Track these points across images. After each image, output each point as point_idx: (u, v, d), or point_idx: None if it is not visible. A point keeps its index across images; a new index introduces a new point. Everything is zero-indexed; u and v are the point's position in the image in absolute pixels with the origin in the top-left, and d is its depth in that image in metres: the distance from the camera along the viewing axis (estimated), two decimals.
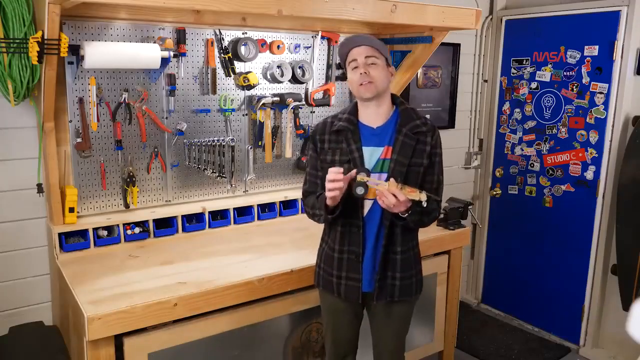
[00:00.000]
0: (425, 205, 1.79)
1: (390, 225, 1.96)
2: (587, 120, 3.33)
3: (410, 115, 1.99)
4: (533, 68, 3.61)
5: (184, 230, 2.62)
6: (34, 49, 1.96)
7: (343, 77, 3.11)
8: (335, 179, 1.80)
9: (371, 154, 1.95)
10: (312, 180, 2.07)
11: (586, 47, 3.30)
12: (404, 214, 1.86)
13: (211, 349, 2.14)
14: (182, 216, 2.61)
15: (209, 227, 2.69)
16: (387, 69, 1.96)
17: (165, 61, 2.43)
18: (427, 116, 3.65)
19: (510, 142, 3.82)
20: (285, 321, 2.35)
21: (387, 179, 1.89)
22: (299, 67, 2.89)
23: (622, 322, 1.86)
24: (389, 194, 1.78)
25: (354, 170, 1.84)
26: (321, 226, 2.13)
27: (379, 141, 1.96)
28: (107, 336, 1.86)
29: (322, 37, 2.95)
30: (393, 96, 2.05)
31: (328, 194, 1.83)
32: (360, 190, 1.81)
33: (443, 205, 2.95)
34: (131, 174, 2.50)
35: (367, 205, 1.96)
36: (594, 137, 3.31)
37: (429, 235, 2.76)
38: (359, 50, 1.91)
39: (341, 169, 1.82)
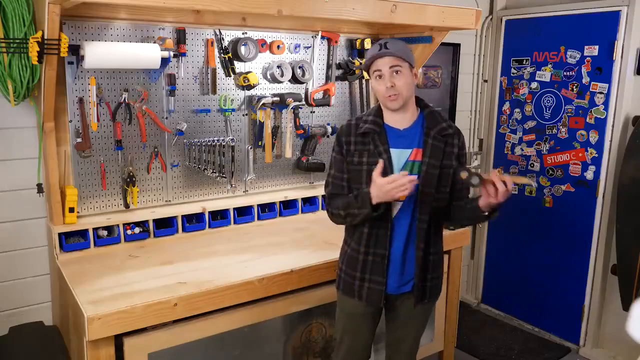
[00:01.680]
0: (536, 186, 1.83)
1: (427, 227, 1.97)
2: (587, 120, 3.33)
3: (436, 118, 2.01)
4: (533, 68, 3.61)
5: (184, 230, 2.62)
6: (34, 49, 1.96)
7: (343, 77, 3.11)
8: (405, 183, 1.78)
9: (399, 156, 1.95)
10: (338, 183, 2.03)
11: (586, 47, 3.30)
12: (492, 211, 1.87)
13: (211, 349, 2.14)
14: (182, 216, 2.61)
15: (209, 227, 2.69)
16: (411, 73, 1.94)
17: (165, 61, 2.43)
18: None
19: (510, 142, 3.82)
20: (285, 321, 2.35)
21: (419, 182, 1.90)
22: (299, 67, 2.89)
23: (622, 322, 1.86)
24: (498, 180, 1.76)
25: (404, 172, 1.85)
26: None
27: (407, 143, 1.96)
28: (107, 336, 1.86)
29: (322, 37, 2.95)
30: (417, 98, 2.05)
31: (397, 194, 1.80)
32: (475, 180, 1.80)
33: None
34: (131, 174, 2.50)
35: (396, 206, 1.96)
36: (594, 137, 3.31)
37: None
38: (383, 61, 1.89)
39: (413, 177, 1.81)
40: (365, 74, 3.05)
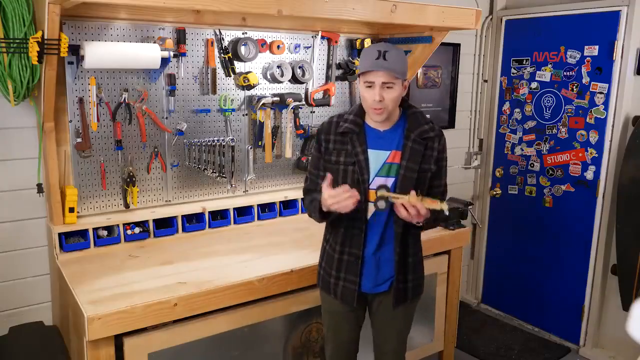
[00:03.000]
0: (447, 214, 1.82)
1: (403, 230, 1.97)
2: (587, 120, 3.33)
3: (419, 119, 1.98)
4: (533, 68, 3.61)
5: (184, 230, 2.62)
6: (34, 49, 1.96)
7: (343, 77, 3.11)
8: (344, 199, 1.80)
9: (377, 157, 1.95)
10: (313, 180, 2.07)
11: (586, 47, 3.30)
12: (419, 223, 1.89)
13: (211, 349, 2.14)
14: (182, 216, 2.61)
15: (209, 227, 2.69)
16: (402, 87, 1.90)
17: (165, 61, 2.43)
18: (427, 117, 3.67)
19: (510, 142, 3.82)
20: (285, 321, 2.35)
21: (395, 184, 1.91)
22: (299, 67, 2.89)
23: (622, 322, 1.86)
24: (410, 206, 1.79)
25: (346, 186, 1.84)
26: (321, 226, 2.13)
27: (386, 144, 1.95)
28: (107, 336, 1.86)
29: (322, 37, 2.95)
30: (402, 99, 2.01)
31: (339, 209, 1.83)
32: (381, 205, 1.85)
33: None
34: (131, 174, 2.50)
35: (372, 208, 1.96)
36: (594, 137, 3.31)
37: (429, 235, 2.76)
38: (377, 74, 1.83)
39: (354, 194, 1.82)
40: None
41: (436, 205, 1.78)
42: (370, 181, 1.93)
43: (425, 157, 1.95)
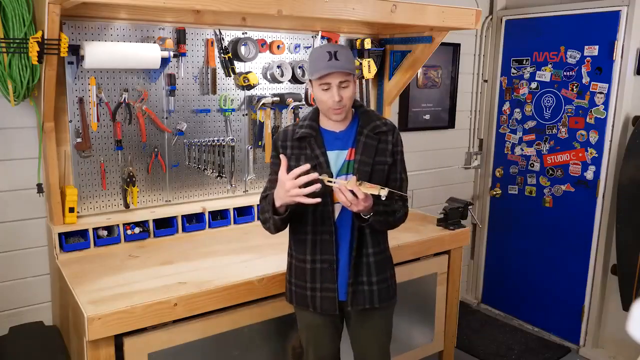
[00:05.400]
0: (384, 199, 1.73)
1: (360, 228, 1.92)
2: (587, 120, 3.33)
3: (370, 116, 1.99)
4: (533, 68, 3.61)
5: (184, 230, 2.62)
6: (34, 49, 1.96)
7: None
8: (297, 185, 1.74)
9: (337, 158, 1.94)
10: (272, 187, 1.93)
11: (586, 47, 3.30)
12: (366, 215, 1.83)
13: (211, 349, 2.14)
14: (182, 216, 2.61)
15: (209, 227, 2.69)
16: (354, 83, 1.91)
17: (165, 61, 2.43)
18: (427, 117, 3.66)
19: (510, 142, 3.82)
20: (285, 321, 2.35)
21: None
22: (299, 67, 2.89)
23: (622, 322, 1.86)
24: (346, 190, 1.73)
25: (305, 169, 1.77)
26: None
27: (343, 144, 1.95)
28: (107, 336, 1.86)
29: (322, 37, 2.95)
30: None
31: (293, 192, 1.75)
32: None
33: (443, 206, 2.96)
34: (131, 174, 2.50)
35: (338, 209, 1.93)
36: (594, 137, 3.31)
37: (429, 235, 2.76)
38: (333, 76, 1.83)
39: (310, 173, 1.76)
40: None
41: (375, 190, 1.73)
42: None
43: (379, 150, 1.94)
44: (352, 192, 1.73)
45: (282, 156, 1.83)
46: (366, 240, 1.96)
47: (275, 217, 1.86)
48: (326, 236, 1.94)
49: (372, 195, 1.75)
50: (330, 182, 1.80)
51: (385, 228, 2.00)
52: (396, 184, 1.98)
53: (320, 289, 1.97)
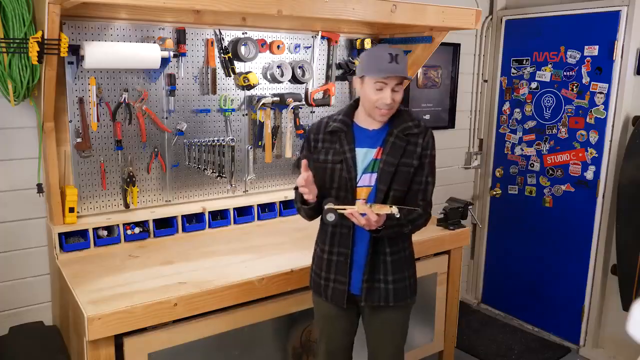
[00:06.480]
0: (398, 216, 1.78)
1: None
2: (587, 120, 3.33)
3: (404, 117, 1.99)
4: (533, 68, 3.61)
5: (184, 230, 2.62)
6: (34, 49, 1.96)
7: (343, 77, 3.11)
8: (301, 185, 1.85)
9: (365, 155, 1.96)
10: None
11: (586, 47, 3.30)
12: (379, 228, 1.86)
13: (211, 349, 2.14)
14: (182, 216, 2.61)
15: (209, 227, 2.69)
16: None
17: (165, 61, 2.43)
18: (427, 117, 3.66)
19: (510, 142, 3.82)
20: (285, 321, 2.35)
21: (376, 179, 1.92)
22: (299, 67, 2.89)
23: (622, 322, 1.86)
24: (358, 214, 1.79)
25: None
26: None
27: (373, 142, 1.97)
28: (107, 336, 1.86)
29: (322, 37, 2.95)
30: None
31: (302, 190, 1.89)
32: (330, 217, 1.84)
33: (443, 206, 2.96)
34: (131, 174, 2.50)
35: (359, 204, 1.94)
36: (594, 137, 3.31)
37: (429, 235, 2.76)
38: (391, 78, 1.86)
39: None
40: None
41: (386, 209, 1.77)
42: (357, 178, 1.94)
43: (406, 152, 1.94)
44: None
45: (303, 161, 1.89)
46: (383, 240, 1.98)
47: (304, 206, 1.97)
48: (345, 230, 1.97)
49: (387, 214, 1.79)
50: (342, 209, 1.83)
51: (403, 234, 2.02)
52: (420, 187, 1.98)
53: (333, 280, 2.01)
